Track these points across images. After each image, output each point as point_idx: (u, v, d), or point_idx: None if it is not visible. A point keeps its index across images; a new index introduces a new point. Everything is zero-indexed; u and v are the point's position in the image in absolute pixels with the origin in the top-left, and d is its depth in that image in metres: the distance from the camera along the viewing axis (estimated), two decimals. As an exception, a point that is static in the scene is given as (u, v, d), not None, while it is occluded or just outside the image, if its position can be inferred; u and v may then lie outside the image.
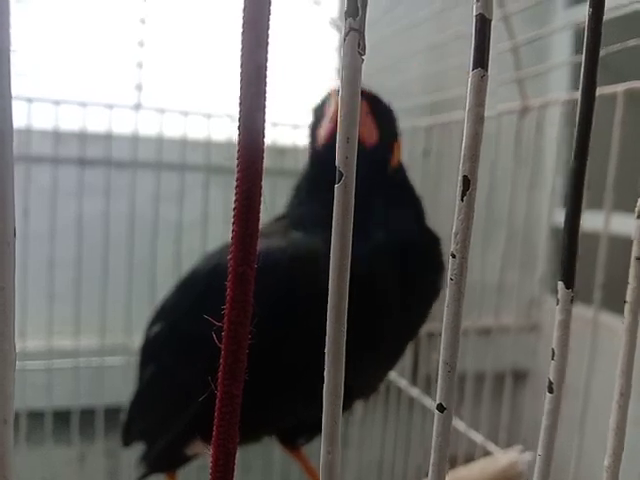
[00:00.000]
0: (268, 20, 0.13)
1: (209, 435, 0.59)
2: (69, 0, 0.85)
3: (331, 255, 0.15)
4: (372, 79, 1.00)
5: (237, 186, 0.13)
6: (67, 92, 0.86)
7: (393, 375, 0.93)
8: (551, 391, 0.19)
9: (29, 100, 0.84)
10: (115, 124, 0.89)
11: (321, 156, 0.54)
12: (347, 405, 0.61)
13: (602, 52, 0.19)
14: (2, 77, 0.13)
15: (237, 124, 0.14)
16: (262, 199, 0.14)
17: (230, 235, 0.15)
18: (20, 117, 0.84)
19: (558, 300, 0.18)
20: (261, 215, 0.15)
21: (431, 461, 0.17)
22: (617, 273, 0.62)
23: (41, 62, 0.84)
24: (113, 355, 0.99)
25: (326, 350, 0.15)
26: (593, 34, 0.19)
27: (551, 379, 0.19)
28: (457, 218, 0.16)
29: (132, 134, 0.89)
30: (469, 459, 0.77)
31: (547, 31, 0.73)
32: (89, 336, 1.06)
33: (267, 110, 0.14)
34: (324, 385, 0.16)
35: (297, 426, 0.60)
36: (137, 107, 0.89)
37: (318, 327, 0.45)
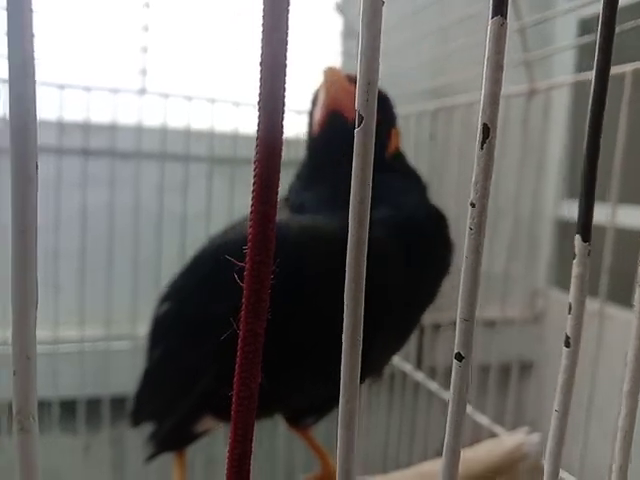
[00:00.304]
0: (288, 4, 0.13)
1: (220, 410, 0.60)
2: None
3: (350, 209, 0.15)
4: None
5: (256, 164, 0.13)
6: (70, 78, 0.86)
7: (397, 359, 0.93)
8: (568, 345, 0.19)
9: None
10: (119, 112, 0.89)
11: (316, 143, 0.55)
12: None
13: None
14: (27, 76, 0.13)
15: (257, 108, 0.14)
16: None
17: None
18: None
19: (575, 254, 0.18)
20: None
21: (449, 416, 0.17)
22: (623, 266, 0.62)
23: (44, 47, 0.84)
24: (118, 345, 0.99)
25: (345, 298, 0.15)
26: (609, 7, 0.19)
27: (568, 334, 0.19)
28: (476, 166, 0.16)
29: (136, 124, 0.89)
30: (475, 442, 0.77)
31: (554, 13, 0.72)
32: (94, 326, 1.07)
33: (287, 93, 0.14)
34: (343, 329, 0.16)
35: (304, 407, 0.60)
36: (141, 92, 0.89)
37: (326, 304, 0.45)
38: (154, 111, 0.91)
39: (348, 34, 1.02)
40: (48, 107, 0.85)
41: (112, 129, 0.89)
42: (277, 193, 0.14)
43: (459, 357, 0.17)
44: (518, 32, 0.63)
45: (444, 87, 0.93)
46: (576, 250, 0.18)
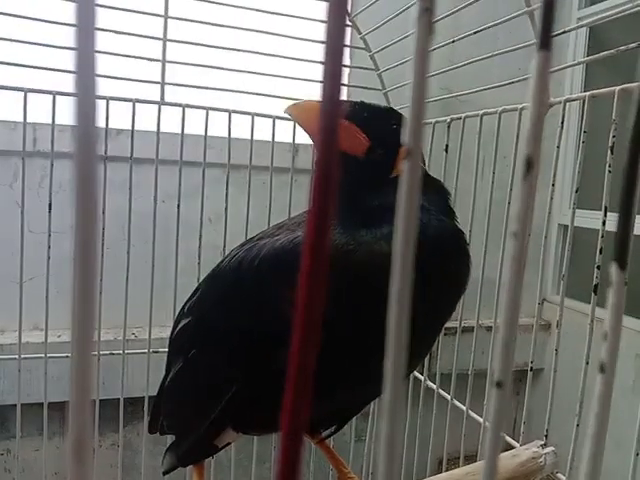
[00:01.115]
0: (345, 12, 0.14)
1: (241, 424, 0.60)
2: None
3: (397, 230, 0.15)
4: (391, 76, 1.00)
5: (316, 166, 0.14)
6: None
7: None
8: (602, 371, 0.19)
9: (53, 93, 0.84)
10: (138, 120, 0.90)
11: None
12: (378, 392, 0.61)
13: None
14: (87, 87, 0.13)
15: (319, 113, 0.14)
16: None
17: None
18: (48, 112, 0.85)
19: (611, 282, 0.18)
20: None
21: (488, 438, 0.17)
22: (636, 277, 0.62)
23: (65, 56, 0.85)
24: (130, 348, 1.00)
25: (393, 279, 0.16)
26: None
27: (603, 360, 0.19)
28: (518, 199, 0.17)
29: (154, 131, 0.90)
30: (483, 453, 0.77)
31: (568, 27, 0.73)
32: (107, 330, 1.07)
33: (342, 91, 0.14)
34: (390, 324, 0.16)
35: (323, 418, 0.60)
36: (160, 103, 0.90)
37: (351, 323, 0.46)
38: (170, 122, 0.92)
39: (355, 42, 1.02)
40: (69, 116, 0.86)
41: (127, 135, 0.90)
42: (335, 193, 0.14)
43: (499, 385, 0.17)
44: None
45: (453, 100, 0.94)
46: (612, 278, 0.18)
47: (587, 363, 0.60)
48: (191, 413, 0.58)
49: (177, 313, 0.63)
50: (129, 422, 1.31)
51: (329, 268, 0.45)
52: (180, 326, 0.60)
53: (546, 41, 0.16)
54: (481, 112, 0.77)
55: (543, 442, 0.64)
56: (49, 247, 0.87)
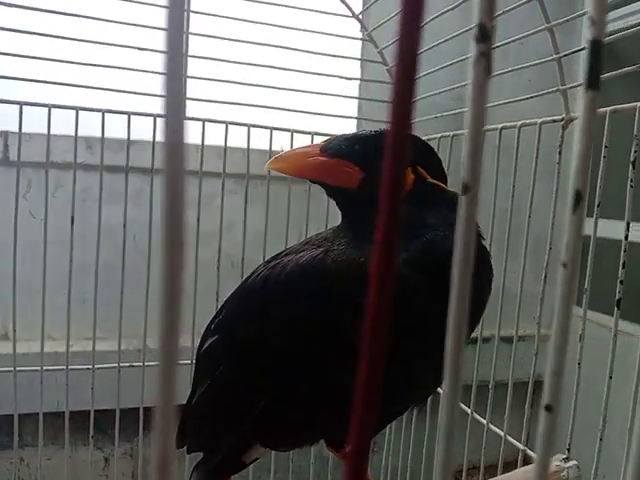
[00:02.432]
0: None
1: (269, 439, 0.61)
2: (113, 12, 0.87)
3: (455, 265, 0.16)
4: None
5: (384, 183, 0.14)
6: (109, 101, 0.89)
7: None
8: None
9: (76, 109, 0.86)
10: (142, 131, 0.91)
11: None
12: (401, 411, 0.62)
13: None
14: (178, 101, 0.14)
15: (386, 120, 0.15)
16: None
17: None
18: (71, 126, 0.87)
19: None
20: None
21: (536, 459, 0.18)
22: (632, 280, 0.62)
23: (88, 72, 0.87)
24: (135, 359, 1.00)
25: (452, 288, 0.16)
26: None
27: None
28: (568, 230, 0.17)
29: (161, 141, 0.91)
30: (504, 465, 0.77)
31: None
32: (110, 341, 1.08)
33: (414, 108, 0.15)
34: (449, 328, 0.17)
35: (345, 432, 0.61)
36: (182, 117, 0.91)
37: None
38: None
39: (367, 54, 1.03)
40: (92, 128, 0.88)
41: (129, 145, 0.91)
42: (403, 194, 0.15)
43: (549, 408, 0.18)
44: (556, 64, 0.64)
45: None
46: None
47: (610, 377, 0.60)
48: (219, 430, 0.58)
49: (203, 330, 0.64)
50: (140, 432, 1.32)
51: (347, 281, 0.46)
52: (207, 344, 0.61)
53: (594, 81, 0.16)
54: (500, 126, 0.77)
55: (565, 456, 0.64)
56: (71, 260, 0.89)
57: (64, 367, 0.92)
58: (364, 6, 1.16)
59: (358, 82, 1.38)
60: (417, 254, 0.50)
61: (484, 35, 0.15)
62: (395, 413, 0.61)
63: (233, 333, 0.58)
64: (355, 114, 1.49)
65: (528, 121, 0.73)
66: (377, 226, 0.14)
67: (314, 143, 0.60)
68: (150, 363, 0.95)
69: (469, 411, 0.88)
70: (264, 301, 0.55)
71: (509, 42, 0.69)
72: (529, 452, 0.74)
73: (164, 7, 0.15)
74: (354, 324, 0.48)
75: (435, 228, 0.53)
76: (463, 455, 0.85)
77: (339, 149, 0.56)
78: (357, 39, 1.02)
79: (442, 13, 0.77)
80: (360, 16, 0.97)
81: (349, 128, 1.45)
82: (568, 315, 0.17)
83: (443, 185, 0.59)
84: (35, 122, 0.91)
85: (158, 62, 0.90)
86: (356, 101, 1.48)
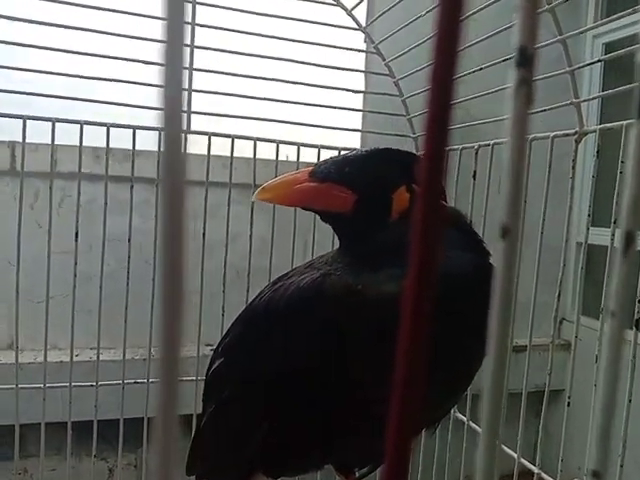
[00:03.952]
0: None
1: (270, 468, 0.59)
2: (121, 24, 0.86)
3: (495, 308, 0.14)
4: (416, 102, 1.00)
5: (420, 203, 0.13)
6: (115, 114, 0.88)
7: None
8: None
9: (80, 123, 0.85)
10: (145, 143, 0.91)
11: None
12: (418, 430, 0.60)
13: None
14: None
15: (424, 131, 0.13)
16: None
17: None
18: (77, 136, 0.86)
19: None
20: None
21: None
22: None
23: (94, 87, 0.86)
24: (139, 368, 0.99)
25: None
26: None
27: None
28: (617, 273, 0.15)
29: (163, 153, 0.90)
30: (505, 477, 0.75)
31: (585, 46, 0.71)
32: (115, 350, 1.06)
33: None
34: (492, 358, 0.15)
35: (358, 457, 0.60)
36: (186, 132, 0.90)
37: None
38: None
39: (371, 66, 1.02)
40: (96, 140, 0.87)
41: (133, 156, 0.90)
42: (442, 200, 0.13)
43: (597, 475, 0.16)
44: (569, 76, 0.63)
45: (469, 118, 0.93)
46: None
47: (630, 401, 0.58)
48: (223, 457, 0.57)
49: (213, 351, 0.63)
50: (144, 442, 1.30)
51: (340, 308, 0.45)
52: (214, 367, 0.60)
53: (647, 110, 0.15)
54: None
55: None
56: (75, 275, 0.87)
57: (67, 384, 0.90)
58: (368, 17, 1.15)
59: (362, 96, 1.37)
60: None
61: (525, 59, 0.14)
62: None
63: (236, 357, 0.57)
64: (359, 126, 1.48)
65: (540, 135, 0.71)
66: (412, 250, 0.13)
67: (304, 168, 0.58)
68: (155, 380, 0.93)
69: (465, 419, 0.86)
70: (266, 325, 0.54)
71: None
72: (525, 463, 0.73)
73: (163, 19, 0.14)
74: (350, 350, 0.47)
75: (450, 248, 0.51)
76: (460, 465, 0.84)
77: (328, 173, 0.54)
78: (365, 52, 1.01)
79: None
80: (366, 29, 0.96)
81: (353, 141, 1.44)
82: (616, 374, 0.16)
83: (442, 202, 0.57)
84: (43, 132, 0.90)
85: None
86: (360, 113, 1.47)
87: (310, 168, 0.56)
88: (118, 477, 1.39)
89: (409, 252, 0.13)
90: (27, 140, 0.86)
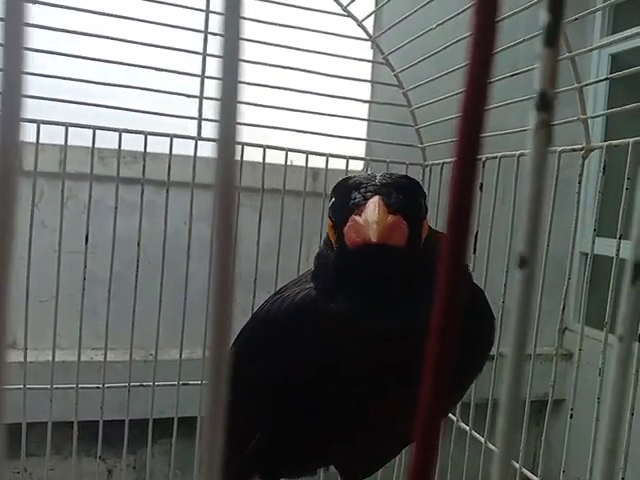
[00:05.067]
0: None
1: (267, 474, 0.61)
2: (135, 32, 0.88)
3: (511, 339, 0.15)
4: (426, 114, 1.01)
5: (450, 205, 0.14)
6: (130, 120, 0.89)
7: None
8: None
9: (92, 128, 0.87)
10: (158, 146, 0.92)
11: (346, 255, 0.51)
12: (410, 440, 0.62)
13: None
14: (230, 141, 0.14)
15: (456, 137, 0.14)
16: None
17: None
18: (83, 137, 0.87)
19: None
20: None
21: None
22: None
23: (106, 92, 0.87)
24: (143, 370, 1.00)
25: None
26: None
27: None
28: (625, 301, 0.16)
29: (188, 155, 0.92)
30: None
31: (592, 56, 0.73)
32: (120, 351, 1.07)
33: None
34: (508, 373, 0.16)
35: (363, 463, 0.61)
36: (197, 138, 0.91)
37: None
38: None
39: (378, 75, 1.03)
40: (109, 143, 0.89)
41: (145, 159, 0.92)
42: (471, 213, 0.14)
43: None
44: (577, 93, 0.64)
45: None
46: None
47: (632, 414, 0.58)
48: (224, 462, 0.58)
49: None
50: (144, 444, 1.31)
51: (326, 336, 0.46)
52: None
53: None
54: (517, 153, 0.77)
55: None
56: (84, 278, 0.89)
57: (74, 385, 0.91)
58: (375, 28, 1.16)
59: (367, 104, 1.38)
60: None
61: (546, 103, 0.15)
62: (401, 443, 0.62)
63: (239, 364, 0.59)
64: (364, 135, 1.49)
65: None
66: (440, 279, 0.14)
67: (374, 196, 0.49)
68: (160, 383, 0.94)
69: (467, 429, 0.87)
70: (263, 335, 0.57)
71: (527, 70, 0.69)
72: (526, 472, 0.74)
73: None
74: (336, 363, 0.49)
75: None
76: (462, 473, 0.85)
77: (400, 205, 0.49)
78: (376, 62, 1.02)
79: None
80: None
81: (359, 150, 1.45)
82: (624, 394, 0.17)
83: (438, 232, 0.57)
84: (48, 133, 0.91)
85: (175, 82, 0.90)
86: (364, 123, 1.48)
87: (379, 196, 0.49)
88: (118, 478, 1.40)
89: (435, 277, 0.14)
90: (34, 141, 0.87)
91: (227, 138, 0.15)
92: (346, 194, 0.51)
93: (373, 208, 0.47)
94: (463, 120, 0.14)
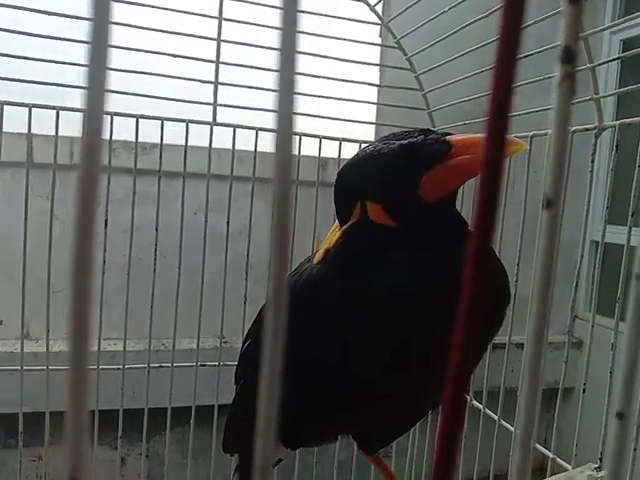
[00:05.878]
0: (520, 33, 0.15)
1: (291, 440, 0.62)
2: (150, 19, 0.89)
3: (536, 276, 0.17)
4: (436, 96, 1.01)
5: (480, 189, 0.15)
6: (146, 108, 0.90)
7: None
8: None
9: (110, 114, 0.88)
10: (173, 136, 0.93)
11: (427, 210, 0.51)
12: (427, 410, 0.63)
13: None
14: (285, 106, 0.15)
15: (486, 124, 0.15)
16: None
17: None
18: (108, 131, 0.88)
19: None
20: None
21: (607, 468, 0.18)
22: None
23: (123, 79, 0.89)
24: (162, 359, 1.01)
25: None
26: None
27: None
28: (634, 299, 0.18)
29: (203, 146, 0.93)
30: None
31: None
32: (135, 341, 1.09)
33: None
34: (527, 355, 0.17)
35: (372, 433, 0.62)
36: (212, 123, 0.93)
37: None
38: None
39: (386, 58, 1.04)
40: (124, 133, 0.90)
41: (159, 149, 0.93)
42: (497, 210, 0.15)
43: (620, 416, 0.18)
44: (590, 72, 0.64)
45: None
46: None
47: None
48: (246, 431, 0.60)
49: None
50: (157, 432, 1.33)
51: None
52: (244, 346, 0.63)
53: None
54: (530, 134, 0.77)
55: (597, 465, 0.64)
56: (104, 262, 0.91)
57: (95, 367, 0.93)
58: (384, 11, 1.17)
59: (376, 89, 1.39)
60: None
61: (570, 56, 0.16)
62: (419, 412, 0.63)
63: (259, 337, 0.60)
64: (374, 119, 1.50)
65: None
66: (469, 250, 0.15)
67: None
68: (178, 364, 0.96)
69: (481, 407, 0.88)
70: (294, 305, 0.57)
71: (544, 50, 0.69)
72: (540, 448, 0.75)
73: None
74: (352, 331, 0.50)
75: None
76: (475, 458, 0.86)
77: None
78: (388, 47, 1.03)
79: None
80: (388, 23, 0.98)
81: (369, 134, 1.45)
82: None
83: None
84: (61, 124, 0.92)
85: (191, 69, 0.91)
86: (374, 107, 1.49)
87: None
88: (132, 466, 1.43)
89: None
90: (44, 132, 0.88)
91: (284, 131, 0.16)
92: (396, 161, 0.50)
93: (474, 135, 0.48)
94: (493, 100, 0.15)
